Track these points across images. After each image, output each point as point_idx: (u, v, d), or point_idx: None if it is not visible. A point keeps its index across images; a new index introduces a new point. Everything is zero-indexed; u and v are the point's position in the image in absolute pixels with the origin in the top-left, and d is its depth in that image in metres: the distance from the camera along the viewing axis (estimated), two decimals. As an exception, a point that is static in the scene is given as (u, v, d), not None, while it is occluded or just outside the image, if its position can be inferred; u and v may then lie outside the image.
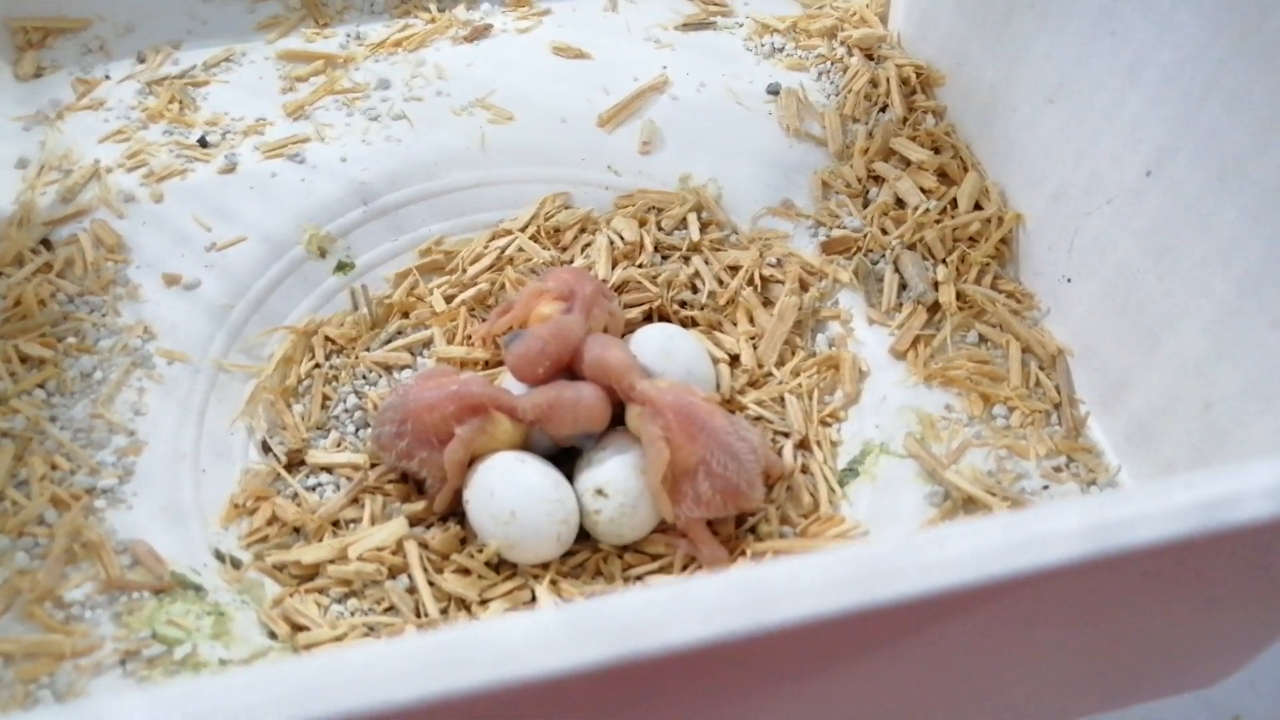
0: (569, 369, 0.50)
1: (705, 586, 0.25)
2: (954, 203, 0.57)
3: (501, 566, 0.48)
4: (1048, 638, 0.33)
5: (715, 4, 0.68)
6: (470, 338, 0.54)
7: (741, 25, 0.67)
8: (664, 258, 0.57)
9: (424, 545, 0.47)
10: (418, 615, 0.46)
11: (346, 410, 0.53)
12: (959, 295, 0.54)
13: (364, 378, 0.53)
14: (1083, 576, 0.28)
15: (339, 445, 0.51)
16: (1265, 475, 0.28)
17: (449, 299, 0.55)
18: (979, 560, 0.26)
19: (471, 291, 0.55)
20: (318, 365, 0.53)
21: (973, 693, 0.36)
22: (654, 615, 0.25)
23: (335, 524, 0.48)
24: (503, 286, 0.55)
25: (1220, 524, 0.27)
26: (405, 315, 0.55)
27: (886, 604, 0.25)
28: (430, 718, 0.24)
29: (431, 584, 0.47)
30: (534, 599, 0.47)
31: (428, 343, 0.54)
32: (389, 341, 0.54)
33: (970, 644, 0.31)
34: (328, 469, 0.50)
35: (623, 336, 0.52)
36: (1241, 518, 0.27)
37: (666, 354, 0.51)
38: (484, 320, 0.55)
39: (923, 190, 0.57)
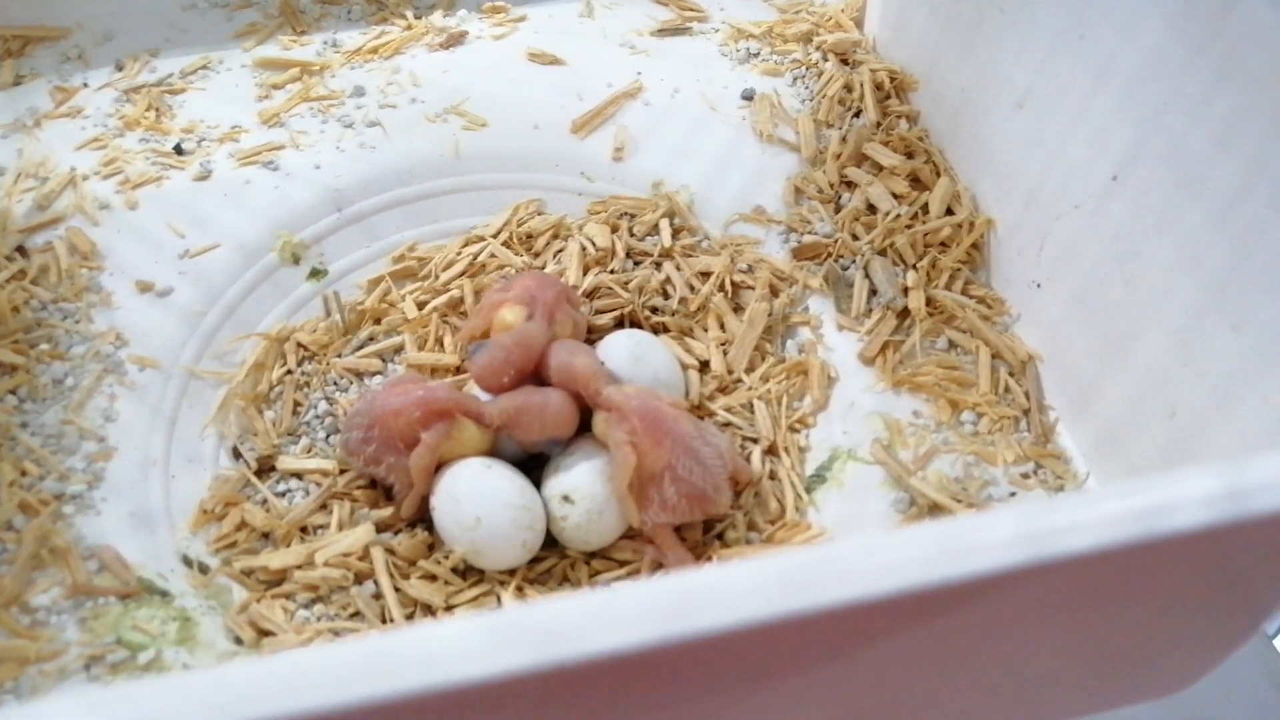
0: (535, 376, 0.50)
1: (631, 593, 0.25)
2: (925, 208, 0.57)
3: (468, 572, 0.48)
4: (993, 646, 0.33)
5: (690, 9, 0.68)
6: (441, 342, 0.54)
7: (717, 31, 0.67)
8: (636, 264, 0.57)
9: (390, 551, 0.48)
10: (383, 621, 0.46)
11: (318, 416, 0.53)
12: (929, 301, 0.54)
13: (335, 384, 0.54)
14: (1020, 584, 0.28)
15: (309, 451, 0.52)
16: (1201, 483, 0.28)
17: (421, 305, 0.55)
18: (909, 568, 0.26)
19: (444, 298, 0.55)
20: (289, 371, 0.53)
21: (917, 704, 0.36)
22: (579, 622, 0.25)
23: (303, 530, 0.49)
24: (477, 293, 0.56)
25: (1155, 532, 0.27)
26: (377, 322, 0.55)
27: (811, 612, 0.25)
28: (356, 724, 0.24)
29: (397, 590, 0.47)
30: (500, 605, 0.47)
31: (399, 349, 0.55)
32: (361, 348, 0.55)
33: (909, 654, 0.31)
34: (298, 475, 0.51)
35: (591, 343, 0.52)
36: (1176, 526, 0.27)
37: (635, 360, 0.51)
38: (458, 328, 0.55)
39: (894, 195, 0.57)
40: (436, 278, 0.56)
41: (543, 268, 0.56)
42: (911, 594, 0.26)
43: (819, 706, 0.33)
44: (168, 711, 0.24)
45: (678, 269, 0.56)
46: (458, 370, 0.54)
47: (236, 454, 0.51)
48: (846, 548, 0.26)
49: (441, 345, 0.55)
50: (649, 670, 0.26)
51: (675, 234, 0.57)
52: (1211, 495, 0.28)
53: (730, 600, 0.25)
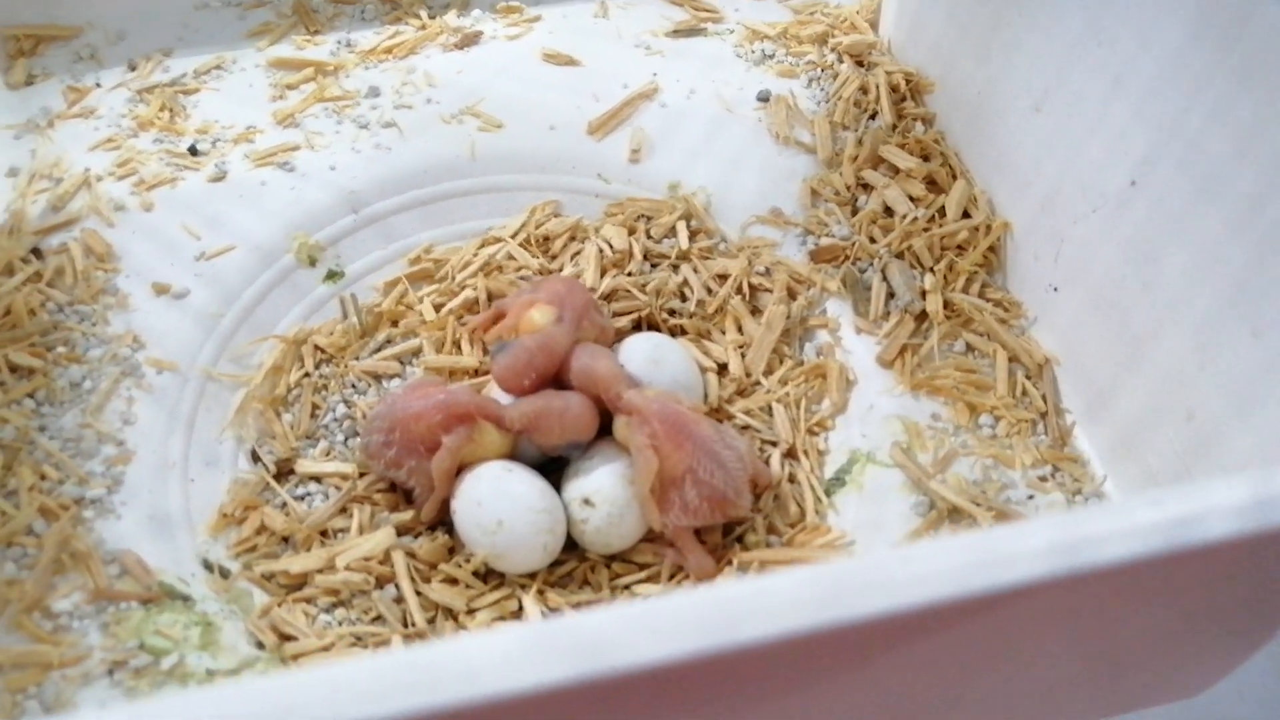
0: (556, 380, 0.50)
1: (673, 604, 0.25)
2: (942, 211, 0.57)
3: (489, 576, 0.48)
4: (1023, 652, 0.33)
5: (706, 10, 0.68)
6: (459, 344, 0.54)
7: (732, 32, 0.67)
8: (653, 266, 0.57)
9: (411, 555, 0.48)
10: (405, 625, 0.46)
11: (336, 419, 0.53)
12: (946, 304, 0.54)
13: (353, 387, 0.54)
14: (1051, 593, 0.28)
15: (328, 454, 0.52)
16: (1231, 493, 0.28)
17: (438, 308, 0.55)
18: (945, 578, 0.26)
19: (458, 299, 0.55)
20: (307, 374, 0.53)
21: (948, 709, 0.36)
22: (621, 633, 0.25)
23: (323, 533, 0.49)
24: (490, 295, 0.55)
25: (1186, 542, 0.27)
26: (394, 324, 0.55)
27: (852, 622, 0.25)
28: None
29: (419, 594, 0.47)
30: (521, 609, 0.47)
31: (417, 352, 0.55)
32: (378, 350, 0.55)
33: (943, 661, 0.31)
34: (317, 478, 0.51)
35: (611, 344, 0.52)
36: (1207, 536, 0.27)
37: (654, 363, 0.51)
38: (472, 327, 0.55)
39: (911, 198, 0.57)
40: (453, 279, 0.56)
41: (560, 270, 0.56)
42: (947, 604, 0.26)
43: (850, 712, 0.33)
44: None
45: (695, 271, 0.56)
46: (476, 373, 0.54)
47: (255, 457, 0.51)
48: (883, 559, 0.26)
49: (459, 348, 0.55)
50: (688, 681, 0.26)
51: (692, 236, 0.57)
52: (1241, 505, 0.28)
53: (770, 612, 0.25)
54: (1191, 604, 0.34)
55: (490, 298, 0.55)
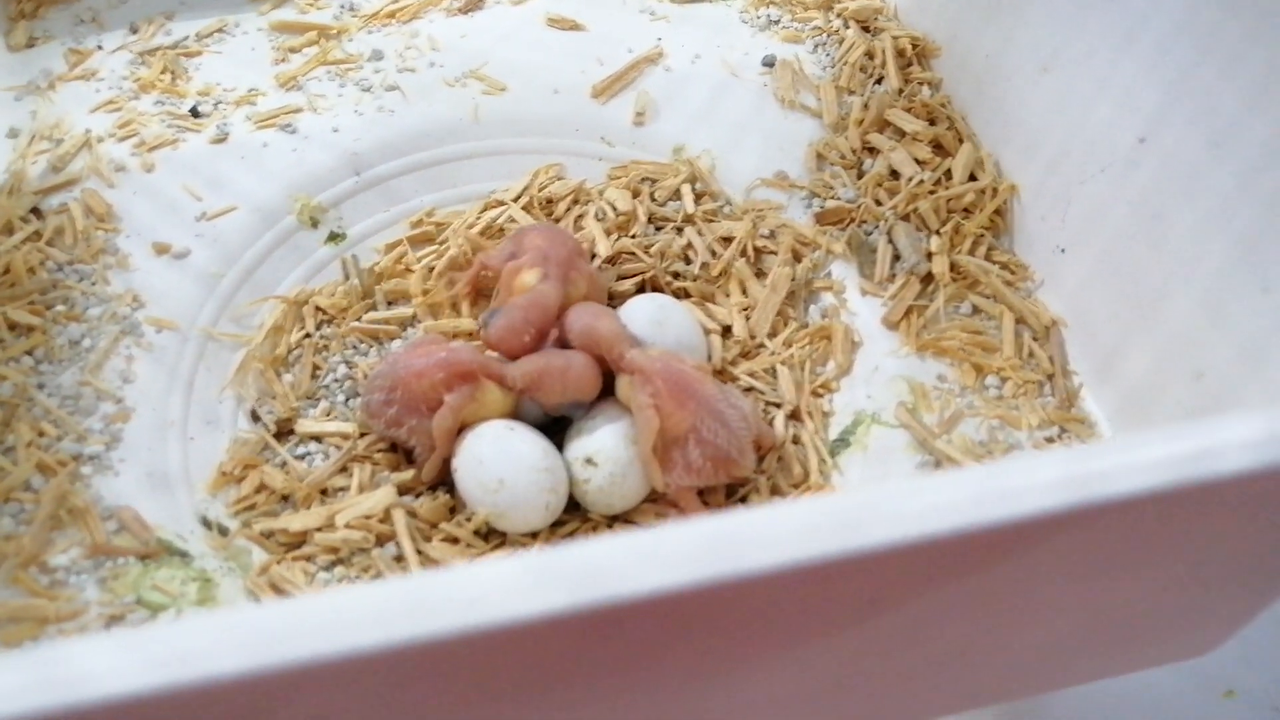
0: (557, 340, 0.50)
1: (675, 534, 0.25)
2: (948, 174, 0.57)
3: (490, 535, 0.48)
4: (1028, 598, 0.33)
5: (711, -24, 0.68)
6: (457, 307, 0.54)
7: (738, -3, 0.66)
8: (657, 229, 0.56)
9: (412, 514, 0.47)
10: (405, 583, 0.46)
11: (336, 380, 0.52)
12: (953, 266, 0.54)
13: (354, 348, 0.53)
14: (1060, 530, 0.28)
15: (329, 415, 0.51)
16: (1247, 428, 0.27)
17: (430, 271, 0.55)
18: (956, 508, 0.26)
19: (444, 259, 0.55)
20: (308, 335, 0.53)
21: (947, 663, 0.36)
22: (624, 562, 0.25)
23: (323, 492, 0.48)
24: (474, 249, 0.55)
25: (1202, 476, 0.27)
26: (390, 303, 0.55)
27: (855, 553, 0.25)
28: (395, 663, 0.24)
29: (419, 552, 0.46)
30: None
31: (414, 317, 0.54)
32: (376, 310, 0.54)
33: (945, 606, 0.31)
34: (317, 438, 0.50)
35: (613, 307, 0.52)
36: (1223, 469, 0.27)
37: (657, 324, 0.51)
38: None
39: (917, 161, 0.57)
40: (445, 242, 0.56)
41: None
42: (956, 535, 0.26)
43: (855, 657, 0.33)
44: (202, 650, 0.23)
45: (699, 234, 0.56)
46: (474, 335, 0.53)
47: (255, 416, 0.51)
48: (890, 489, 0.26)
49: (457, 310, 0.54)
50: (690, 612, 0.26)
51: (697, 199, 0.57)
52: (1257, 439, 0.27)
53: (775, 541, 0.25)
54: (1201, 550, 0.33)
55: (472, 254, 0.55)
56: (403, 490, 0.48)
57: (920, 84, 0.60)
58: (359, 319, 0.54)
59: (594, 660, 0.27)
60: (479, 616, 0.24)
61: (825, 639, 0.30)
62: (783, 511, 0.25)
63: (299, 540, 0.47)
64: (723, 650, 0.29)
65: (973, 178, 0.57)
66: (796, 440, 0.50)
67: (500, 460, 0.47)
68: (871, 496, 0.26)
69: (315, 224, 0.56)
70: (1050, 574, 0.32)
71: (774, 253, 0.55)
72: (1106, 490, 0.26)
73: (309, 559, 0.46)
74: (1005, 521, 0.26)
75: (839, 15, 0.64)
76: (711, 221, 0.56)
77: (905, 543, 0.25)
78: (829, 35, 0.63)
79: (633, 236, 0.55)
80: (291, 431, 0.50)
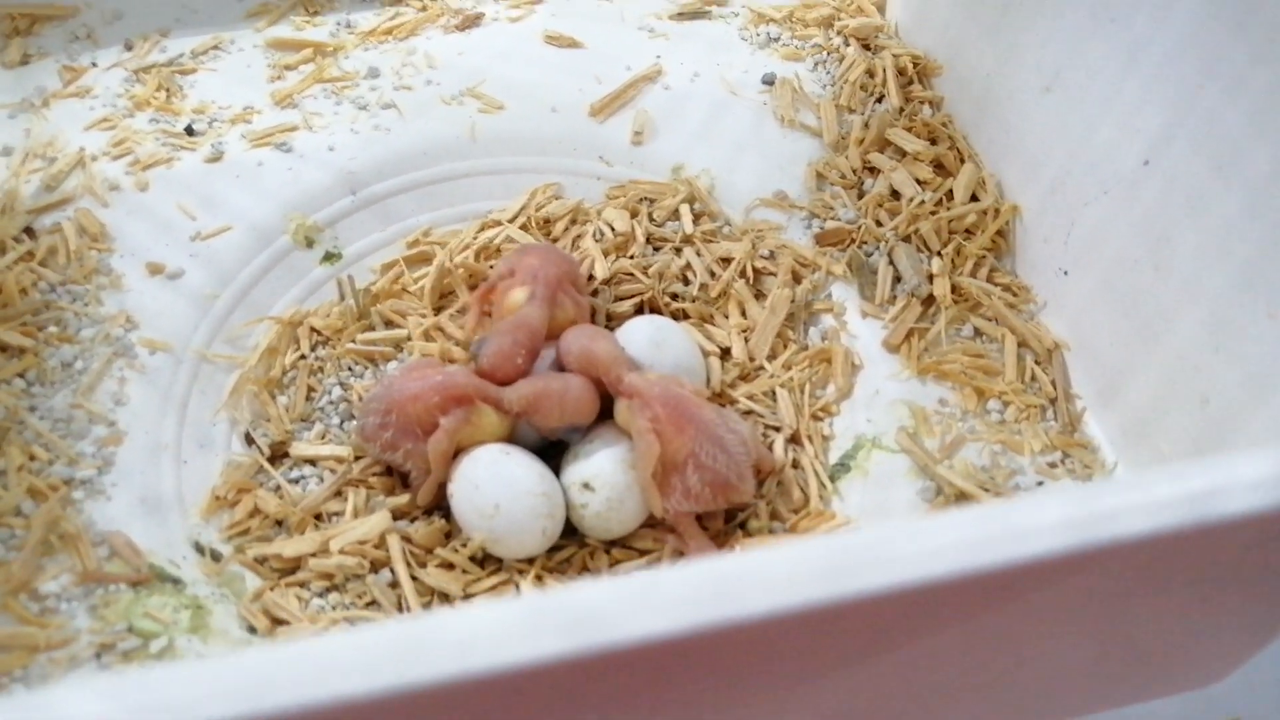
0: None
1: (672, 577, 0.24)
2: (950, 194, 0.56)
3: (486, 561, 0.47)
4: (1033, 634, 0.32)
5: (710, -7, 0.67)
6: (443, 330, 0.53)
7: (737, 15, 0.66)
8: (655, 249, 0.56)
9: (407, 539, 0.47)
10: (400, 610, 0.45)
11: (331, 402, 0.52)
12: (954, 288, 0.54)
13: (350, 369, 0.53)
14: (1065, 571, 0.27)
15: (323, 437, 0.51)
16: (1253, 467, 0.27)
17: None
18: (954, 552, 0.25)
19: (432, 271, 0.54)
20: (303, 356, 0.52)
21: (953, 694, 0.35)
22: (619, 606, 0.24)
23: (318, 517, 0.48)
24: (472, 278, 0.54)
25: (1207, 517, 0.26)
26: (389, 324, 0.54)
27: (854, 598, 0.24)
28: (386, 711, 0.24)
29: (414, 578, 0.46)
30: (519, 594, 0.46)
31: (408, 339, 0.54)
32: (372, 330, 0.54)
33: (949, 642, 0.30)
34: (312, 461, 0.50)
35: (610, 329, 0.51)
36: (1229, 510, 0.26)
37: (656, 346, 0.50)
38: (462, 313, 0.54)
39: (918, 181, 0.57)
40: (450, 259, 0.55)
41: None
42: (956, 579, 0.25)
43: (856, 696, 0.32)
44: (188, 699, 0.23)
45: (698, 255, 0.55)
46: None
47: (249, 440, 0.50)
48: (890, 531, 0.25)
49: (444, 333, 0.53)
50: (687, 657, 0.25)
51: (696, 219, 0.56)
52: (1263, 479, 0.27)
53: (773, 585, 0.24)
54: (1208, 586, 0.33)
55: (473, 279, 0.54)
56: (398, 515, 0.48)
57: (921, 103, 0.60)
58: (354, 340, 0.53)
59: (589, 705, 0.27)
60: (471, 662, 0.23)
61: (824, 681, 0.30)
62: (781, 554, 0.25)
63: (293, 566, 0.46)
64: (720, 693, 0.28)
65: (974, 198, 0.56)
66: (796, 465, 0.50)
67: (496, 484, 0.46)
68: (872, 538, 0.25)
69: (311, 244, 0.55)
70: (1054, 613, 0.31)
71: (773, 274, 0.55)
72: (1113, 531, 0.26)
73: (303, 585, 0.46)
74: (1009, 564, 0.25)
75: (839, 33, 0.64)
76: (710, 242, 0.56)
77: (906, 586, 0.25)
78: (829, 53, 0.63)
79: (631, 257, 0.55)
80: (286, 455, 0.50)
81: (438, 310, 0.54)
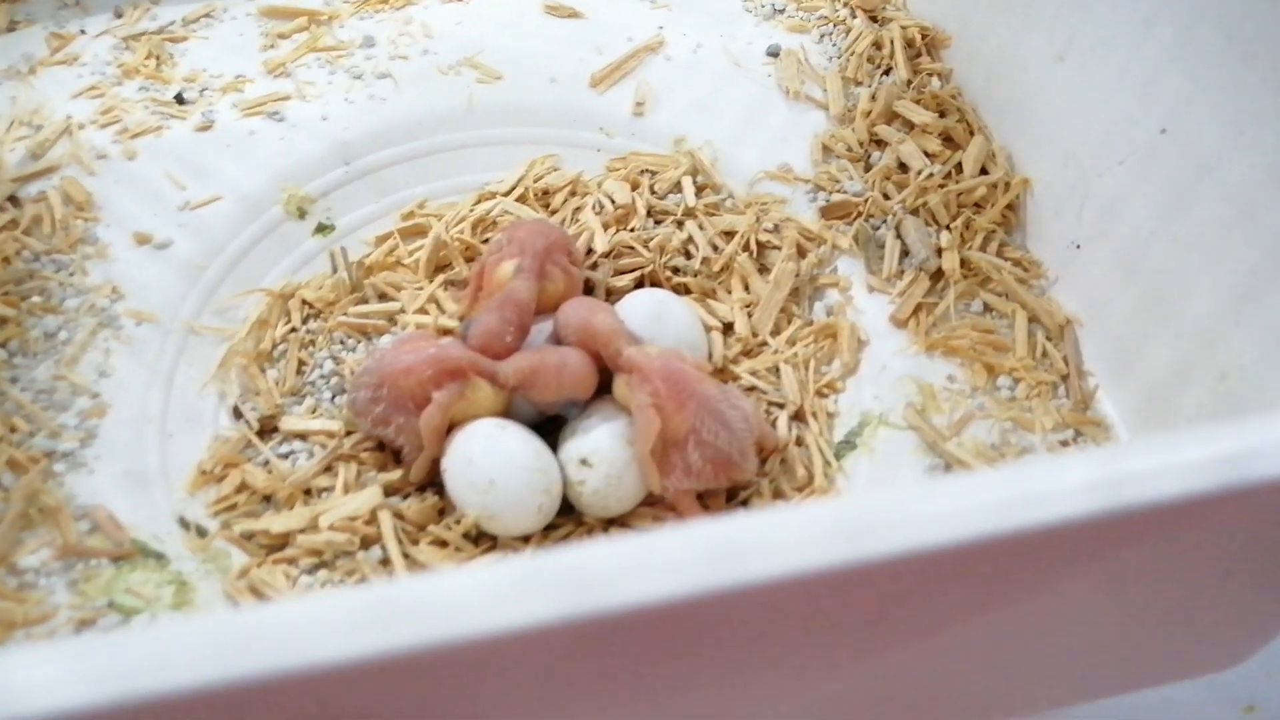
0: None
1: (671, 540, 0.23)
2: (959, 167, 0.55)
3: (480, 539, 0.46)
4: (1049, 608, 0.31)
5: (714, -37, 0.66)
6: (439, 303, 0.52)
7: (741, -14, 0.64)
8: (657, 222, 0.54)
9: (399, 515, 0.45)
10: (390, 588, 0.44)
11: (323, 376, 0.50)
12: (963, 262, 0.52)
13: (342, 343, 0.51)
14: (1087, 538, 0.26)
15: (314, 412, 0.49)
16: (1287, 428, 0.25)
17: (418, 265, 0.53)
18: (973, 516, 0.24)
19: (427, 250, 0.53)
20: (294, 329, 0.51)
21: (965, 675, 0.34)
22: (615, 569, 0.23)
23: (307, 492, 0.46)
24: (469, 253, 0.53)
25: (1240, 480, 0.25)
26: (382, 297, 0.53)
27: (868, 561, 0.23)
28: (367, 677, 0.22)
29: (406, 555, 0.44)
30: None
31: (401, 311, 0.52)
32: (366, 302, 0.52)
33: (961, 614, 0.29)
34: (301, 436, 0.48)
35: (611, 302, 0.50)
36: (1264, 473, 0.25)
37: (656, 319, 0.49)
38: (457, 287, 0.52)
39: (927, 154, 0.55)
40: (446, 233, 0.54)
41: (561, 224, 0.54)
42: (974, 543, 0.24)
43: (862, 671, 0.31)
44: (159, 662, 0.21)
45: (700, 228, 0.54)
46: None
47: (237, 414, 0.49)
48: (904, 493, 0.24)
49: (440, 306, 0.52)
50: (686, 624, 0.24)
51: (698, 192, 0.55)
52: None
53: (777, 548, 0.23)
54: (1230, 560, 0.31)
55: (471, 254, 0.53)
56: (390, 491, 0.46)
57: (930, 75, 0.59)
58: (347, 313, 0.51)
59: (584, 674, 0.25)
60: (460, 626, 0.22)
61: (830, 651, 0.28)
62: (788, 516, 0.23)
63: (281, 542, 0.45)
64: (722, 663, 0.27)
65: (984, 171, 0.55)
66: (800, 442, 0.48)
67: (491, 460, 0.45)
68: (883, 500, 0.24)
69: (303, 215, 0.54)
70: (1072, 583, 0.30)
71: (777, 248, 0.53)
72: (1138, 495, 0.24)
73: (291, 562, 0.44)
74: (1028, 529, 0.24)
75: (845, 4, 0.62)
76: (713, 215, 0.54)
77: (919, 550, 0.24)
78: (835, 25, 0.62)
79: (631, 230, 0.53)
80: (275, 429, 0.48)
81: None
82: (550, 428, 0.47)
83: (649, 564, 0.23)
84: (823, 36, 0.61)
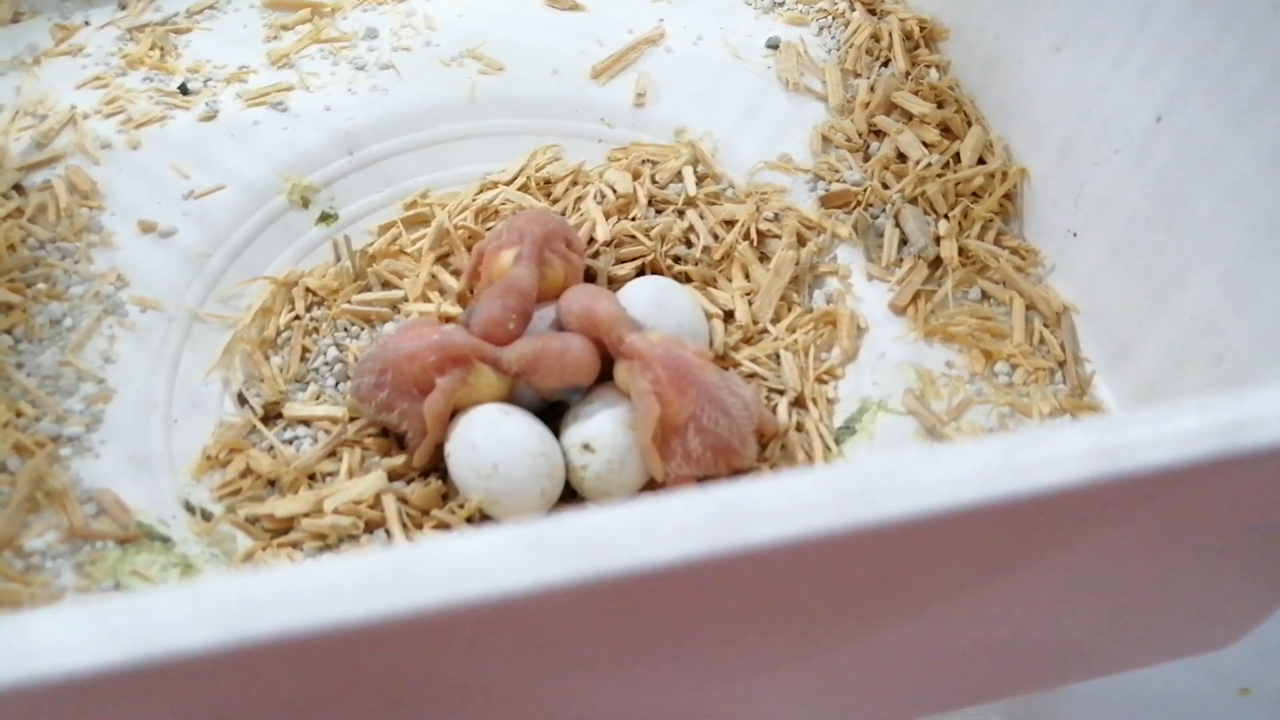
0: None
1: (681, 503, 0.23)
2: (957, 157, 0.55)
3: (484, 523, 0.46)
4: (1045, 584, 0.31)
5: (714, -43, 0.66)
6: (442, 290, 0.52)
7: (741, -20, 0.65)
8: (658, 212, 0.55)
9: (403, 500, 0.46)
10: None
11: (326, 363, 0.51)
12: (961, 250, 0.53)
13: (345, 330, 0.51)
14: (1086, 505, 0.26)
15: (318, 398, 0.50)
16: (1284, 398, 0.26)
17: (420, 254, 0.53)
18: (979, 479, 0.24)
19: (428, 238, 0.53)
20: (297, 317, 0.51)
21: (962, 651, 0.34)
22: (625, 532, 0.23)
23: (311, 477, 0.47)
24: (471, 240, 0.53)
25: (1239, 448, 0.25)
26: (385, 285, 0.53)
27: (870, 526, 0.23)
28: (378, 638, 0.22)
29: (410, 540, 0.45)
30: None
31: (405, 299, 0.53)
32: (369, 290, 0.52)
33: (960, 586, 0.29)
34: (305, 422, 0.49)
35: (613, 289, 0.50)
36: (1263, 441, 0.25)
37: (658, 307, 0.49)
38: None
39: (925, 144, 0.55)
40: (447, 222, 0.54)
41: (562, 214, 0.54)
42: (978, 507, 0.24)
43: (862, 642, 0.31)
44: (171, 623, 0.22)
45: (701, 217, 0.54)
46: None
47: (242, 400, 0.49)
48: (909, 459, 0.24)
49: (442, 292, 0.52)
50: (695, 587, 0.24)
51: (699, 182, 0.55)
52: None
53: (785, 512, 0.23)
54: (1227, 534, 0.32)
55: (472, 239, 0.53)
56: (393, 476, 0.47)
57: (928, 67, 0.59)
58: (350, 301, 0.52)
59: (589, 638, 0.26)
60: (468, 589, 0.22)
61: (832, 620, 0.29)
62: (793, 482, 0.24)
63: (285, 526, 0.45)
64: (727, 630, 0.27)
65: (982, 161, 0.55)
66: (800, 428, 0.49)
67: (494, 444, 0.45)
68: (885, 466, 0.24)
69: (306, 204, 0.54)
70: (1069, 555, 0.30)
71: (778, 236, 0.53)
72: (1137, 462, 0.25)
73: (295, 546, 0.45)
74: (1029, 493, 0.24)
75: (845, -3, 0.63)
76: (714, 204, 0.55)
77: (920, 516, 0.24)
78: (834, 18, 0.62)
79: (633, 219, 0.54)
80: (279, 415, 0.49)
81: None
82: (553, 414, 0.48)
83: (657, 527, 0.23)
84: (822, 29, 0.62)
